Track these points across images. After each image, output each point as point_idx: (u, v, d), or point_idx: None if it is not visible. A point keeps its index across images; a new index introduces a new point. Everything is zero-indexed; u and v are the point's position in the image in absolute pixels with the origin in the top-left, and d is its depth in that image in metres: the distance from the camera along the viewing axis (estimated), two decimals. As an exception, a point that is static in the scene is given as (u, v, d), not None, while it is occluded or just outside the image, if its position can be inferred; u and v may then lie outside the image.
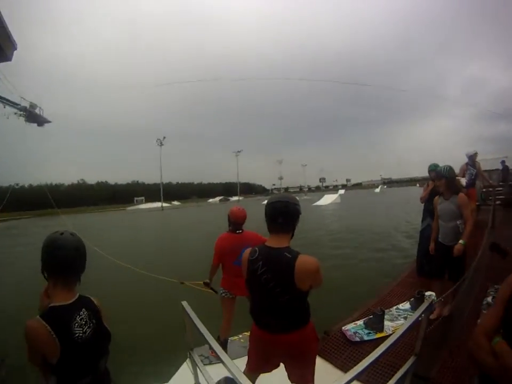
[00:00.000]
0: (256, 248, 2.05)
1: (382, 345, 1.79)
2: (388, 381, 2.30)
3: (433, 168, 4.89)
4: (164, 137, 67.80)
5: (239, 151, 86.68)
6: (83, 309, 1.68)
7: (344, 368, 2.99)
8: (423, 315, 2.32)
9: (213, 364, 3.18)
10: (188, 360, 3.05)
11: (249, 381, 1.49)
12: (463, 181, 7.02)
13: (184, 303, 2.41)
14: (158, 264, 9.61)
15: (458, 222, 3.53)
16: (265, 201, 2.27)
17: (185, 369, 3.14)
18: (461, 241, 3.47)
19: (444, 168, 3.60)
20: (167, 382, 3.09)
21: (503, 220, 8.71)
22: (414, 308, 3.97)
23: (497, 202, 8.19)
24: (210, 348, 1.88)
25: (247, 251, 2.10)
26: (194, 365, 2.55)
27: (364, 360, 1.63)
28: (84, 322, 1.65)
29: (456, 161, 7.75)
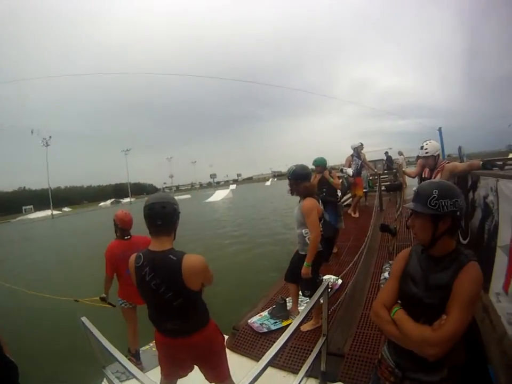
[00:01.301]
0: (141, 254, 1.95)
1: (287, 330, 1.86)
2: (303, 364, 2.39)
3: (317, 162, 5.45)
4: (50, 137, 61.64)
5: (127, 150, 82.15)
6: None
7: (260, 359, 2.95)
8: (321, 298, 2.42)
9: (132, 378, 2.94)
10: (104, 379, 2.82)
11: None
12: (350, 171, 7.56)
13: (84, 319, 2.28)
14: (52, 281, 8.89)
15: (303, 231, 3.23)
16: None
17: None
18: (305, 263, 3.17)
19: (289, 170, 3.33)
20: None
21: (389, 203, 9.61)
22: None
23: (383, 188, 8.94)
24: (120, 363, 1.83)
25: (132, 257, 1.99)
26: None
27: (273, 347, 1.68)
28: None
29: (345, 153, 8.42)
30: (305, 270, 3.17)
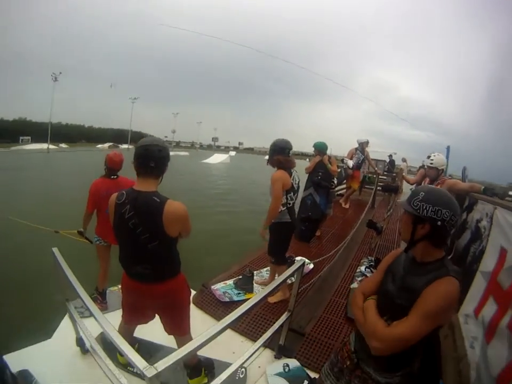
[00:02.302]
0: (124, 192, 1.95)
1: (253, 297, 1.89)
2: (263, 334, 2.46)
3: (315, 145, 5.44)
4: (60, 73, 59.89)
5: (135, 98, 78.17)
6: None
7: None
8: (294, 276, 2.49)
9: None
10: (68, 313, 2.82)
11: (120, 336, 1.45)
12: (350, 163, 7.65)
13: (55, 250, 2.25)
14: (35, 211, 8.71)
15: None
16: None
17: (67, 323, 2.87)
18: (262, 226, 3.35)
19: (272, 142, 3.45)
20: (50, 337, 2.83)
21: (381, 202, 9.72)
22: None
23: (379, 188, 8.95)
24: (81, 300, 1.82)
25: (114, 194, 1.99)
26: (72, 319, 2.44)
27: (236, 310, 1.70)
28: None
29: (350, 146, 8.33)
30: (261, 231, 3.35)
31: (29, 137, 63.08)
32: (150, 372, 1.19)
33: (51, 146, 48.70)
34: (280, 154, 3.31)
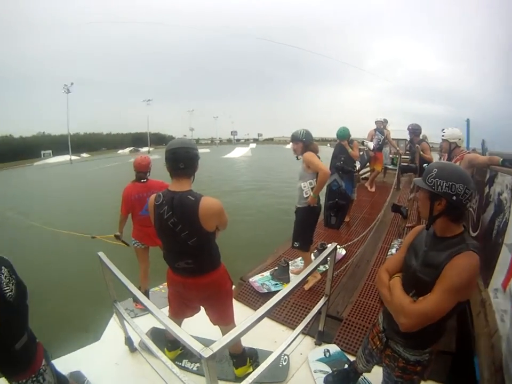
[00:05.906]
0: (160, 193, 2.06)
1: (288, 285, 1.98)
2: (301, 321, 2.54)
3: (337, 134, 5.38)
4: (72, 83, 61.06)
5: (149, 100, 79.94)
6: (2, 267, 1.56)
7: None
8: (328, 259, 2.58)
9: (139, 316, 3.22)
10: (114, 315, 3.01)
11: (178, 326, 1.56)
12: (371, 145, 7.47)
13: (101, 254, 2.37)
14: (70, 221, 9.06)
15: (302, 185, 3.43)
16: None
17: (114, 324, 3.10)
18: (312, 194, 3.39)
19: (300, 132, 3.44)
20: (99, 339, 3.00)
21: (406, 183, 9.40)
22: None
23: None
24: (134, 298, 1.93)
25: (152, 197, 2.11)
26: (121, 319, 2.57)
27: (272, 298, 1.80)
28: (8, 280, 1.54)
29: (370, 127, 8.05)
30: (311, 199, 3.40)
31: (50, 151, 63.97)
32: (206, 352, 1.32)
33: (73, 157, 49.51)
34: (311, 143, 3.44)
